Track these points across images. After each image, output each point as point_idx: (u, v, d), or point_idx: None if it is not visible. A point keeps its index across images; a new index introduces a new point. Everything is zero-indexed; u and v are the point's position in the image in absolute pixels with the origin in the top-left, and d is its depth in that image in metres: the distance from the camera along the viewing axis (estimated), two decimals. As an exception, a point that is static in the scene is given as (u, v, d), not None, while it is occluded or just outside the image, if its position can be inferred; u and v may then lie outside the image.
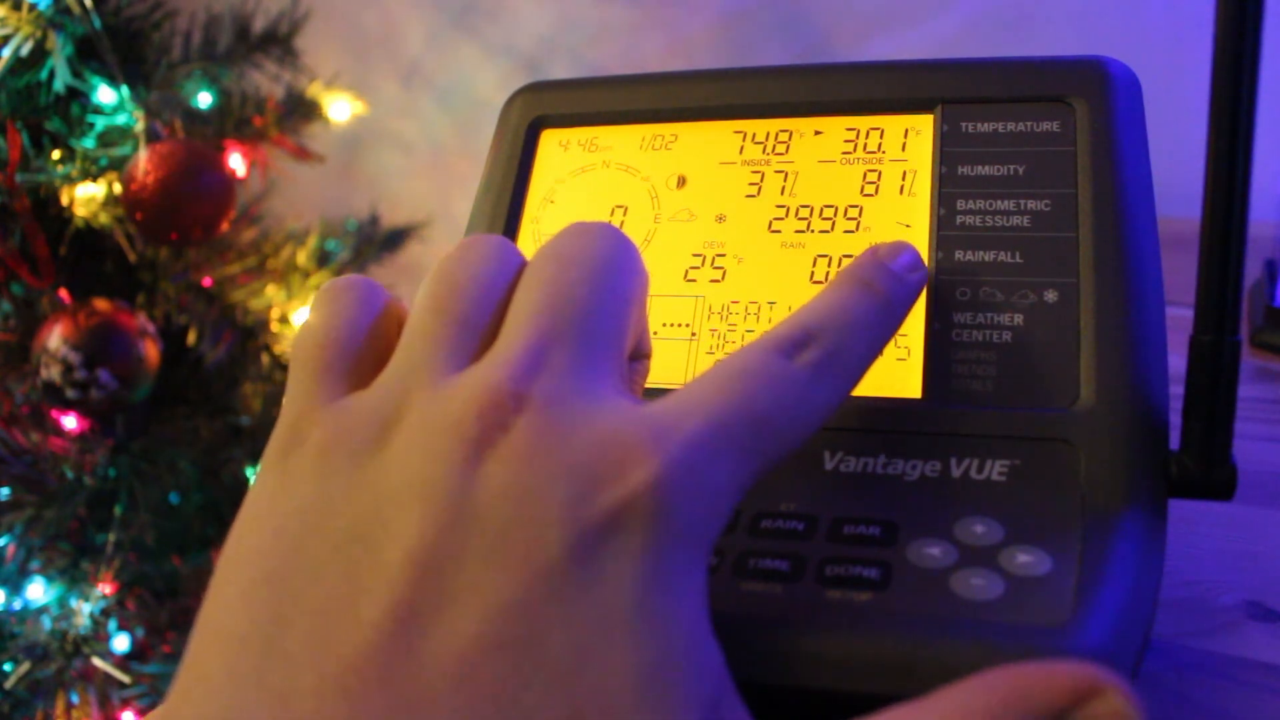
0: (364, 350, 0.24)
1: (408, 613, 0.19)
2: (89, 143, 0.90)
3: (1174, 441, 0.28)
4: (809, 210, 0.33)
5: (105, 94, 0.90)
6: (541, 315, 0.23)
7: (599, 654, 0.18)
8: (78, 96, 0.91)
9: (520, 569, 0.19)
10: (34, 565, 0.93)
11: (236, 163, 1.01)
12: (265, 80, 1.09)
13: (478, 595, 0.19)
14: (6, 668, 0.90)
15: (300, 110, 1.09)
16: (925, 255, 0.31)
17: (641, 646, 0.19)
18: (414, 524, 0.19)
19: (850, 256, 0.32)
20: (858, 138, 0.34)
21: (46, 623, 0.91)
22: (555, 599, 0.19)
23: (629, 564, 0.19)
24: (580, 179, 0.36)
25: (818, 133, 0.34)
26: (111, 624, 0.97)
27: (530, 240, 0.35)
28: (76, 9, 0.87)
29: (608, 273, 0.24)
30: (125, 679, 0.94)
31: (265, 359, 1.09)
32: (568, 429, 0.21)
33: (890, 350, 0.30)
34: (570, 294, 0.23)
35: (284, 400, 0.24)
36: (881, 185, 0.33)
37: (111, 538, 0.95)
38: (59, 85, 0.85)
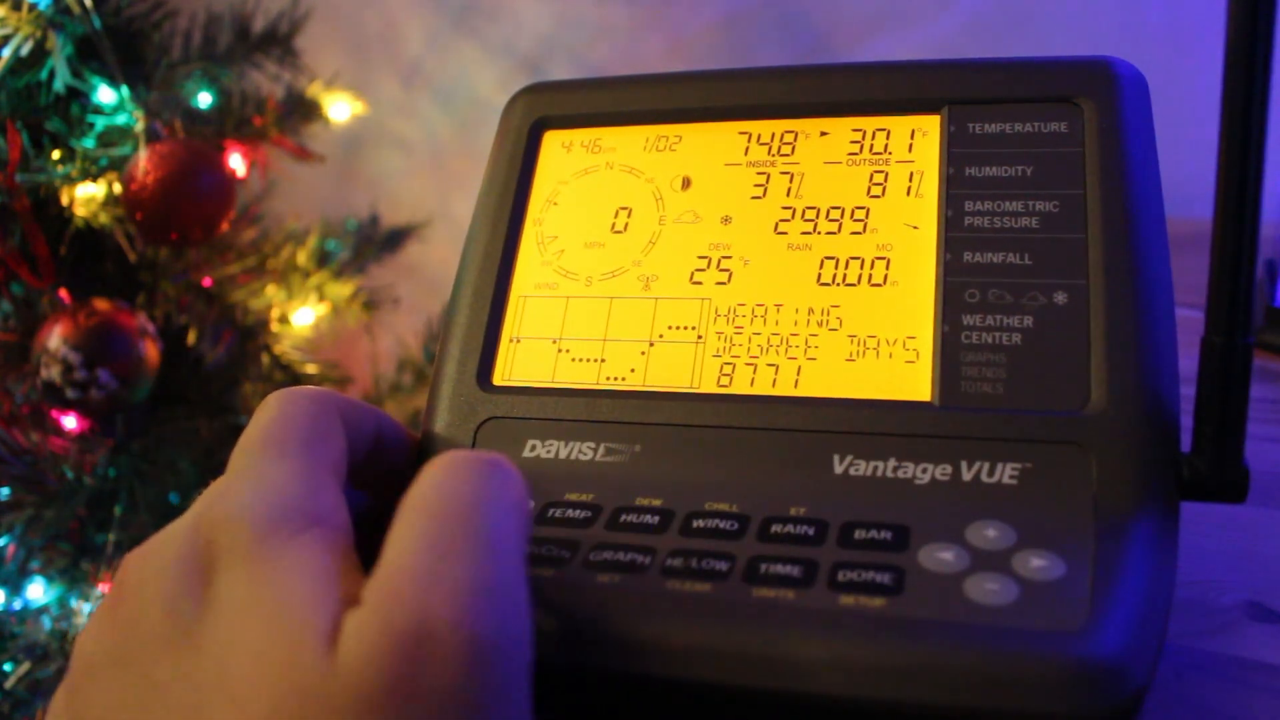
0: None
1: None
2: (89, 143, 0.89)
3: (1184, 443, 0.28)
4: (815, 212, 0.33)
5: (105, 94, 0.90)
6: None
7: None
8: (78, 96, 0.91)
9: None
10: (34, 565, 0.93)
11: (236, 163, 1.00)
12: (265, 80, 1.09)
13: None
14: (6, 668, 0.89)
15: (300, 110, 1.09)
16: (934, 257, 0.31)
17: None
18: None
19: (857, 258, 0.32)
20: (864, 139, 0.33)
21: (46, 623, 0.91)
22: None
23: None
24: (583, 180, 0.36)
25: (823, 134, 0.34)
26: (111, 625, 0.96)
27: (534, 243, 0.35)
28: (76, 9, 0.87)
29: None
30: (125, 680, 0.94)
31: (265, 359, 1.08)
32: None
33: (899, 353, 0.30)
34: None
35: None
36: (888, 186, 0.32)
37: (111, 538, 0.95)
38: (59, 85, 0.85)
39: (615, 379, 0.32)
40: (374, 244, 1.24)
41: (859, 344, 0.31)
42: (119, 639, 0.22)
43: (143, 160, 0.86)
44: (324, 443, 0.26)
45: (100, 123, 0.90)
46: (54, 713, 0.23)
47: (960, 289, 0.30)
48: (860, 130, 0.33)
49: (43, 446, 0.89)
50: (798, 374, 0.31)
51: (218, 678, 0.20)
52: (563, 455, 0.31)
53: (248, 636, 0.21)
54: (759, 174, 0.34)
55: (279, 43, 1.07)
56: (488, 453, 0.24)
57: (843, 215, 0.33)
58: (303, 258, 1.13)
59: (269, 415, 0.26)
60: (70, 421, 0.94)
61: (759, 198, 0.34)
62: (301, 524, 0.23)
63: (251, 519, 0.22)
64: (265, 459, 0.25)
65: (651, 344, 0.33)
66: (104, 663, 0.22)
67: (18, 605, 0.91)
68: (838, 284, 0.32)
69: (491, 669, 0.20)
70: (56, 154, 0.89)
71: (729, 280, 0.33)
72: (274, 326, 1.09)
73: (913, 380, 0.30)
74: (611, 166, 0.36)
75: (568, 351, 0.33)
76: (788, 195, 0.33)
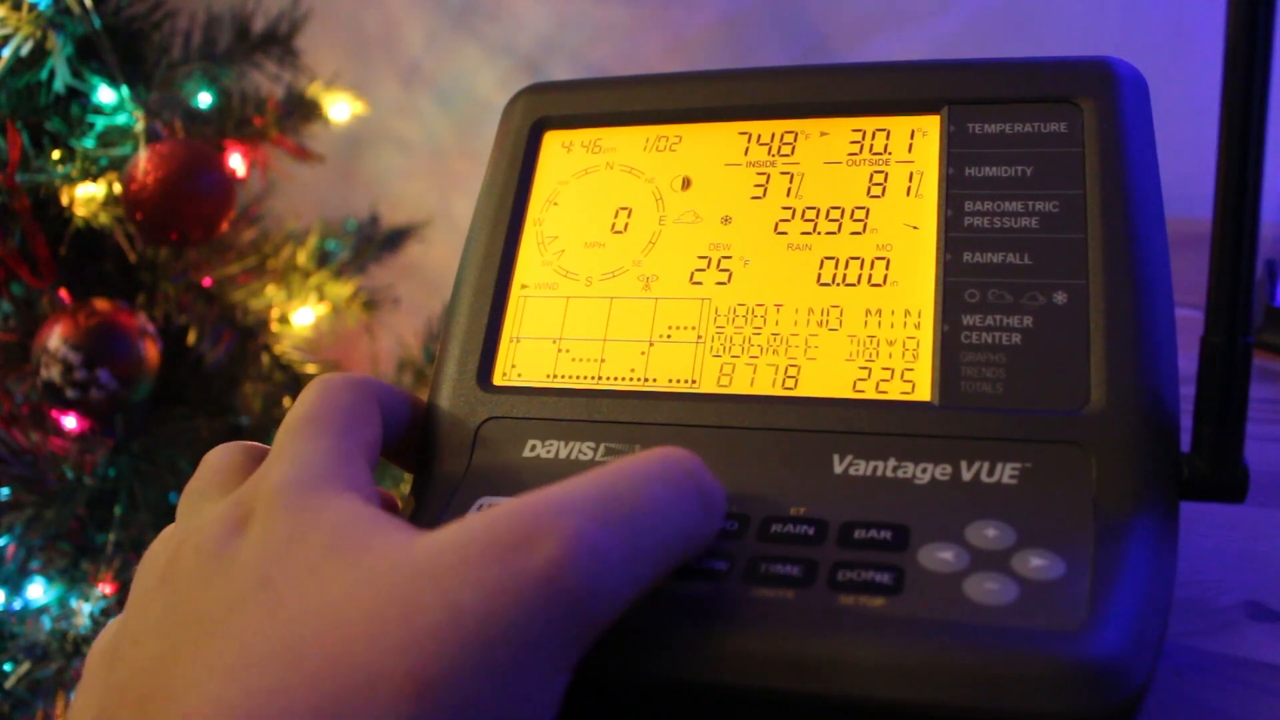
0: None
1: None
2: (89, 143, 0.89)
3: (1184, 443, 0.28)
4: (815, 212, 0.33)
5: (105, 94, 0.90)
6: None
7: None
8: (78, 96, 0.91)
9: None
10: (34, 565, 0.93)
11: (236, 163, 1.00)
12: (265, 80, 1.09)
13: None
14: (6, 668, 0.89)
15: (300, 110, 1.09)
16: (934, 257, 0.31)
17: None
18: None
19: (857, 258, 0.32)
20: (864, 139, 0.33)
21: (46, 623, 0.91)
22: None
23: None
24: (584, 181, 0.36)
25: (823, 134, 0.34)
26: (111, 624, 0.96)
27: (534, 243, 0.35)
28: (76, 9, 0.87)
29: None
30: (125, 680, 0.94)
31: (265, 359, 1.08)
32: None
33: (899, 353, 0.30)
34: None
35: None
36: (888, 187, 0.32)
37: (111, 538, 0.95)
38: (59, 85, 0.85)
39: (615, 379, 0.32)
40: (374, 244, 1.24)
41: (859, 344, 0.31)
42: (163, 601, 0.24)
43: (143, 160, 0.86)
44: (359, 426, 0.28)
45: (100, 123, 0.90)
46: (86, 686, 0.24)
47: (960, 289, 0.30)
48: (860, 130, 0.33)
49: (43, 446, 0.90)
50: (798, 374, 0.31)
51: (259, 581, 0.22)
52: (563, 455, 0.31)
53: (299, 549, 0.22)
54: (759, 174, 0.34)
55: (279, 43, 1.07)
56: (701, 478, 0.25)
57: (843, 215, 0.33)
58: (303, 258, 1.13)
59: (310, 398, 0.28)
60: (70, 421, 0.94)
61: (759, 198, 0.34)
62: (335, 489, 0.24)
63: (284, 486, 0.24)
64: (302, 437, 0.26)
65: (651, 344, 0.33)
66: (149, 628, 0.23)
67: (18, 605, 0.91)
68: (838, 284, 0.32)
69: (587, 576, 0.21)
70: (56, 154, 0.90)
71: (729, 280, 0.33)
72: (274, 326, 1.09)
73: (912, 380, 0.30)
74: (611, 166, 0.36)
75: (568, 351, 0.33)
76: (788, 195, 0.33)
